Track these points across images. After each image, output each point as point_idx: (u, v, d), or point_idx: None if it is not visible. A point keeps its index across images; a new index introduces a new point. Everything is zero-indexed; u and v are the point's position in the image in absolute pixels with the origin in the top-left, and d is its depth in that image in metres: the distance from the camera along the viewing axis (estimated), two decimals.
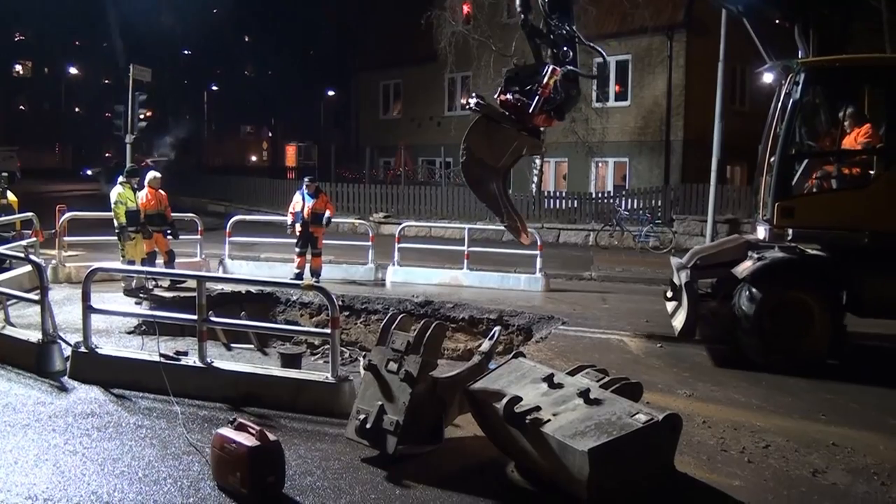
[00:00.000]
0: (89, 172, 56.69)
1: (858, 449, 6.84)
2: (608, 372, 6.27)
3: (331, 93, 61.37)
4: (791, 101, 9.56)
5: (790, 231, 9.48)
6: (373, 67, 39.57)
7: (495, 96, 8.36)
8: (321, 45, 58.33)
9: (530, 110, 7.99)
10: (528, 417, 5.48)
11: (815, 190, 9.94)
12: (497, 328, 7.91)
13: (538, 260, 15.25)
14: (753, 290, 9.35)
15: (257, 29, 60.08)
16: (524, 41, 26.80)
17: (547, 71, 7.96)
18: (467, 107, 8.41)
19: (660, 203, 23.97)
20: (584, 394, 5.56)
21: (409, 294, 13.69)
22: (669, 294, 10.98)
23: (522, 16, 8.44)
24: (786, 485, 6.07)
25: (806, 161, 10.09)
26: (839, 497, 5.90)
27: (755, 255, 9.61)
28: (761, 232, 10.01)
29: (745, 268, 9.52)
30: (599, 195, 26.23)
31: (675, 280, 10.66)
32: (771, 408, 7.99)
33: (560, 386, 5.86)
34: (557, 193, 27.07)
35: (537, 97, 7.95)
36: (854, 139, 9.93)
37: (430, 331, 6.32)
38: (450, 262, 16.09)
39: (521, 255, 16.18)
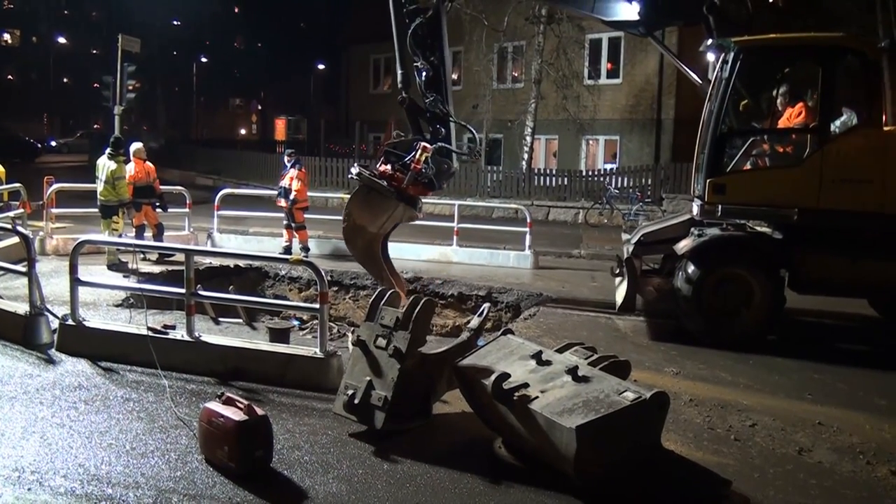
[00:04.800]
0: (54, 144, 55.71)
1: (844, 428, 6.88)
2: (596, 349, 6.28)
3: (321, 66, 61.03)
4: (723, 79, 9.59)
5: (720, 207, 9.57)
6: (363, 41, 39.21)
7: (377, 166, 8.88)
8: (312, 17, 57.91)
9: (403, 184, 8.54)
10: (516, 394, 5.49)
11: (748, 167, 10.01)
12: (486, 305, 7.90)
13: (527, 237, 15.24)
14: (692, 266, 9.48)
15: (247, 0, 59.57)
16: (516, 17, 26.70)
17: (418, 148, 8.51)
18: (349, 175, 8.95)
19: (650, 182, 24.02)
20: (572, 371, 5.57)
21: (398, 270, 13.62)
22: (616, 269, 11.09)
23: (403, 93, 8.94)
24: (772, 463, 6.12)
25: (750, 140, 10.17)
26: (825, 475, 5.94)
27: (696, 232, 9.73)
28: (695, 209, 10.10)
29: (685, 244, 9.65)
30: (590, 173, 26.20)
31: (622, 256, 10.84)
32: (758, 386, 8.04)
33: (548, 363, 5.87)
34: (547, 171, 26.98)
35: (410, 172, 8.51)
36: (787, 118, 9.98)
37: (418, 307, 6.31)
38: (439, 238, 16.05)
39: (510, 233, 16.19)
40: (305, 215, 14.86)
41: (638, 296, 10.48)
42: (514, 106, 28.09)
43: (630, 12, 10.41)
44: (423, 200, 9.31)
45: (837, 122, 9.54)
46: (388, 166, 8.71)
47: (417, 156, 8.46)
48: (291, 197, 14.45)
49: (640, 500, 5.21)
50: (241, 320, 10.40)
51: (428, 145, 8.53)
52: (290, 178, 14.63)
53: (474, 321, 7.15)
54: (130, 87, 18.84)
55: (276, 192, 15.07)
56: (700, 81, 10.61)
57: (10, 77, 68.52)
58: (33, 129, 61.01)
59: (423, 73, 8.81)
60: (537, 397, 5.42)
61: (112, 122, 18.68)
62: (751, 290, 9.42)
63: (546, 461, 5.50)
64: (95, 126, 60.44)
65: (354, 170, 8.80)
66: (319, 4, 56.06)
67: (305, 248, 14.61)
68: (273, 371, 7.52)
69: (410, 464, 5.82)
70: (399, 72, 9.02)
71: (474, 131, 9.47)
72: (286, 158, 15.05)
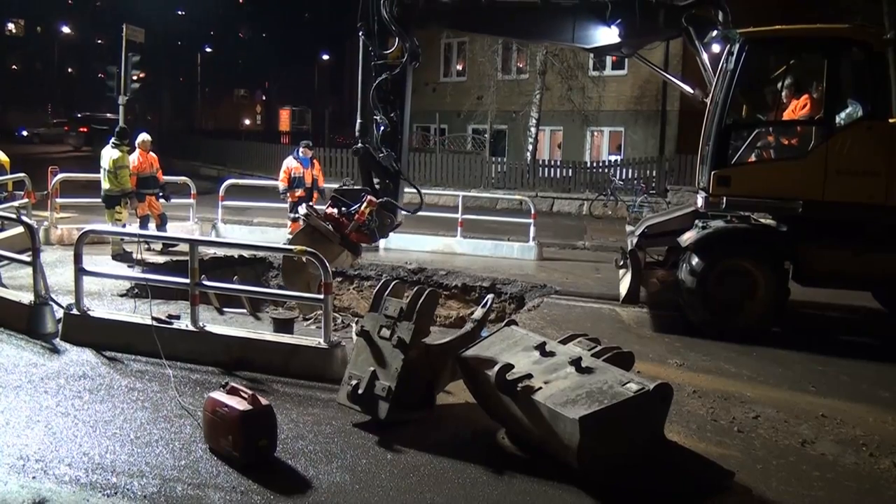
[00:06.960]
0: (25, 133, 54.56)
1: (847, 420, 6.88)
2: (600, 341, 6.29)
3: (325, 57, 60.92)
4: (728, 71, 9.56)
5: (724, 199, 9.56)
6: None
7: (325, 208, 9.19)
8: (316, 8, 57.77)
9: (346, 231, 8.84)
10: (520, 385, 5.50)
11: (752, 159, 9.99)
12: (490, 296, 7.92)
13: (532, 228, 15.25)
14: (696, 258, 9.48)
15: None
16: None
17: (365, 200, 8.79)
18: (297, 214, 9.31)
19: (654, 173, 23.98)
20: (575, 362, 5.57)
21: (403, 261, 13.67)
22: (621, 261, 11.10)
23: (359, 141, 9.14)
24: (775, 454, 6.12)
25: (755, 132, 10.15)
26: (827, 467, 5.94)
27: (700, 224, 9.72)
28: (699, 201, 10.09)
29: (688, 237, 9.66)
30: (594, 164, 26.17)
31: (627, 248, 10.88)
32: (761, 378, 8.04)
33: (552, 354, 5.87)
34: (552, 162, 26.97)
35: (353, 221, 8.81)
36: (792, 110, 9.96)
37: (422, 298, 6.31)
38: (443, 229, 16.05)
39: (514, 224, 16.22)
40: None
41: (642, 287, 10.49)
42: (519, 97, 28.02)
43: (610, 36, 10.40)
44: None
45: (843, 114, 9.52)
46: (335, 210, 8.94)
47: (363, 207, 8.69)
48: (320, 190, 14.50)
49: (643, 490, 5.21)
50: (245, 310, 10.42)
51: (374, 199, 8.77)
52: (320, 171, 14.88)
53: (478, 312, 7.17)
54: (135, 78, 18.84)
55: (283, 188, 14.56)
56: (692, 91, 10.60)
57: (14, 67, 68.46)
58: (36, 119, 60.93)
59: (381, 128, 8.97)
60: (541, 388, 5.43)
61: (116, 111, 18.70)
62: (755, 283, 9.41)
63: (549, 452, 5.51)
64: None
65: (303, 209, 9.12)
66: None
67: None
68: (277, 361, 7.53)
69: (414, 454, 5.83)
70: (358, 121, 9.19)
71: (420, 192, 9.77)
72: (303, 150, 14.64)
